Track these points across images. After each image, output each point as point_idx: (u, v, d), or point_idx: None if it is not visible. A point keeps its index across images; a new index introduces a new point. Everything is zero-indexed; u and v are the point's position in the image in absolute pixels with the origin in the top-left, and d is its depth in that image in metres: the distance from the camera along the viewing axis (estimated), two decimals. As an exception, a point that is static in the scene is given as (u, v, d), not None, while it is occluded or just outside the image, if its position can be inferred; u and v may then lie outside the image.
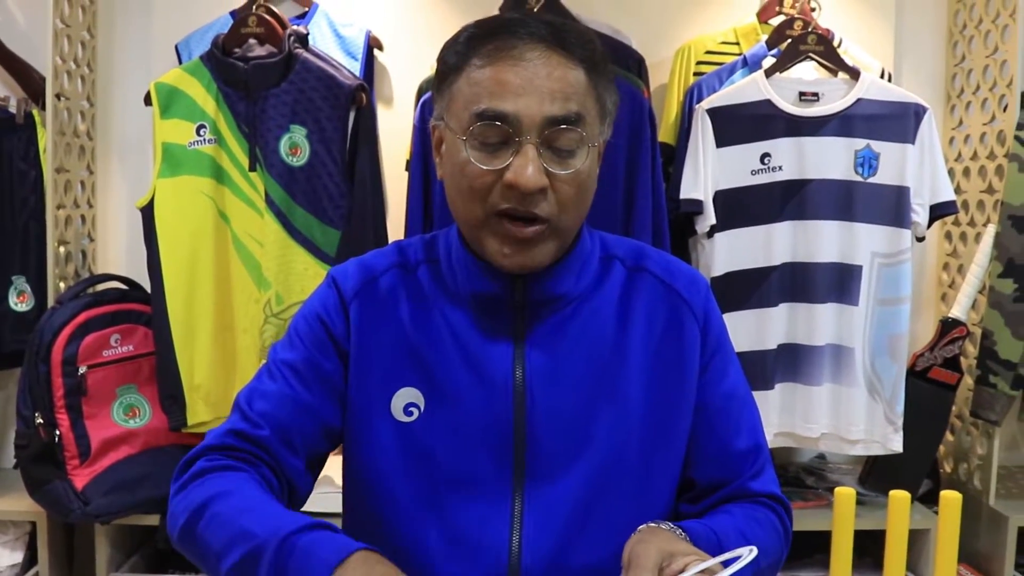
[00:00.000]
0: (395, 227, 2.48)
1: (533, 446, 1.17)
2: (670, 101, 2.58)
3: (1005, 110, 2.49)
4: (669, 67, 2.62)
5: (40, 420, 2.24)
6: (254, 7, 2.40)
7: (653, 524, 1.09)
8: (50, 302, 2.39)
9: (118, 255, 2.72)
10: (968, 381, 2.57)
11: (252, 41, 2.36)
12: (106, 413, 2.34)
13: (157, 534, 2.39)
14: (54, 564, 2.41)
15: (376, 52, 2.62)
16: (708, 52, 2.58)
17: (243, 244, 2.35)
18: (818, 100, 2.38)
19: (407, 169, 2.39)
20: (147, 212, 2.34)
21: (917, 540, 2.45)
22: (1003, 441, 2.69)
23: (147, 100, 2.34)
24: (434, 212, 2.31)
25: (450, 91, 1.16)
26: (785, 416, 2.42)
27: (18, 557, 2.40)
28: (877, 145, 2.35)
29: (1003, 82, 2.50)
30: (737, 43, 2.59)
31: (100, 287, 2.46)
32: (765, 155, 2.36)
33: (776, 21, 2.56)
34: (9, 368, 2.58)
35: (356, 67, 2.51)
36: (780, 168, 2.36)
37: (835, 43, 2.50)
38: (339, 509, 1.31)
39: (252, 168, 2.33)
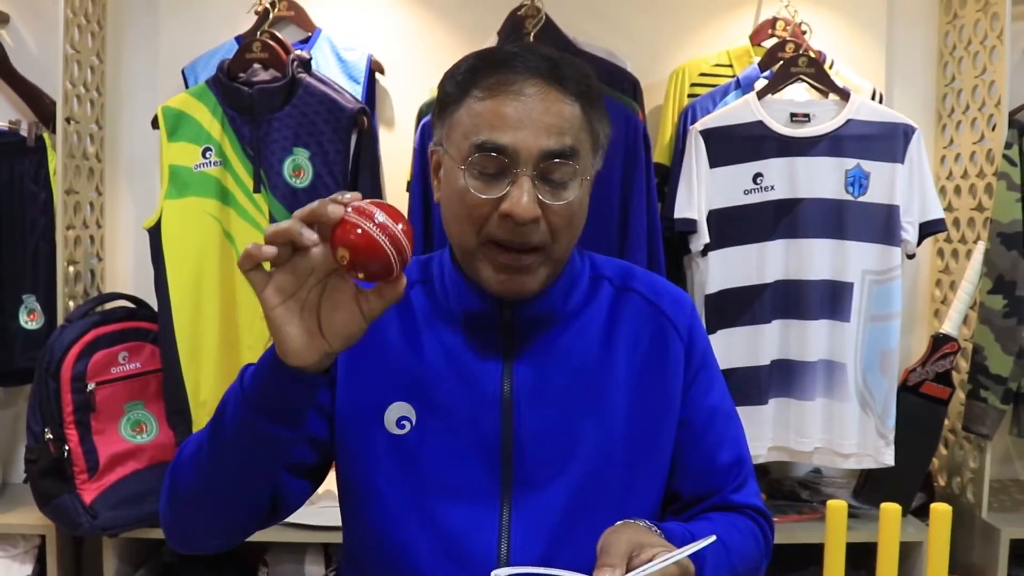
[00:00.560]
0: (396, 246, 2.52)
1: (520, 457, 1.22)
2: (665, 122, 2.63)
3: (994, 129, 2.54)
4: (664, 89, 2.66)
5: (50, 435, 2.28)
6: (259, 33, 2.46)
7: (630, 520, 1.14)
8: (59, 320, 2.44)
9: (126, 274, 2.77)
10: (960, 396, 2.61)
11: (257, 66, 2.41)
12: (114, 429, 2.37)
13: (163, 547, 2.43)
14: (63, 577, 2.45)
15: (378, 76, 2.68)
16: (702, 74, 2.63)
17: (248, 264, 2.39)
18: (809, 121, 2.43)
19: (407, 190, 2.44)
20: (154, 232, 2.39)
21: (910, 552, 2.47)
22: (995, 455, 2.73)
23: (154, 123, 2.40)
24: (433, 231, 2.36)
25: (450, 120, 1.21)
26: (779, 431, 2.46)
27: (28, 570, 2.43)
28: (867, 165, 2.40)
29: (991, 102, 2.55)
30: (730, 65, 2.64)
31: (108, 306, 2.50)
32: (757, 175, 2.41)
33: (768, 44, 2.62)
34: (19, 384, 2.63)
35: (358, 90, 2.56)
36: (772, 188, 2.41)
37: (827, 65, 2.55)
38: (340, 523, 1.35)
39: (256, 190, 2.38)
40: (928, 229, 2.44)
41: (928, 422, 2.56)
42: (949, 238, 2.75)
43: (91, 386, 2.32)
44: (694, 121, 2.48)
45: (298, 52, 2.45)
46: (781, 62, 2.49)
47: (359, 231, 0.98)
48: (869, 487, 2.55)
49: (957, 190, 2.72)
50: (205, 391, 2.40)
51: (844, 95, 2.43)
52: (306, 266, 1.02)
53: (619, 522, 1.13)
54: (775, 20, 2.65)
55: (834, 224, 2.41)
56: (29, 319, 2.56)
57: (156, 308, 2.44)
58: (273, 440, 1.09)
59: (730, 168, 2.41)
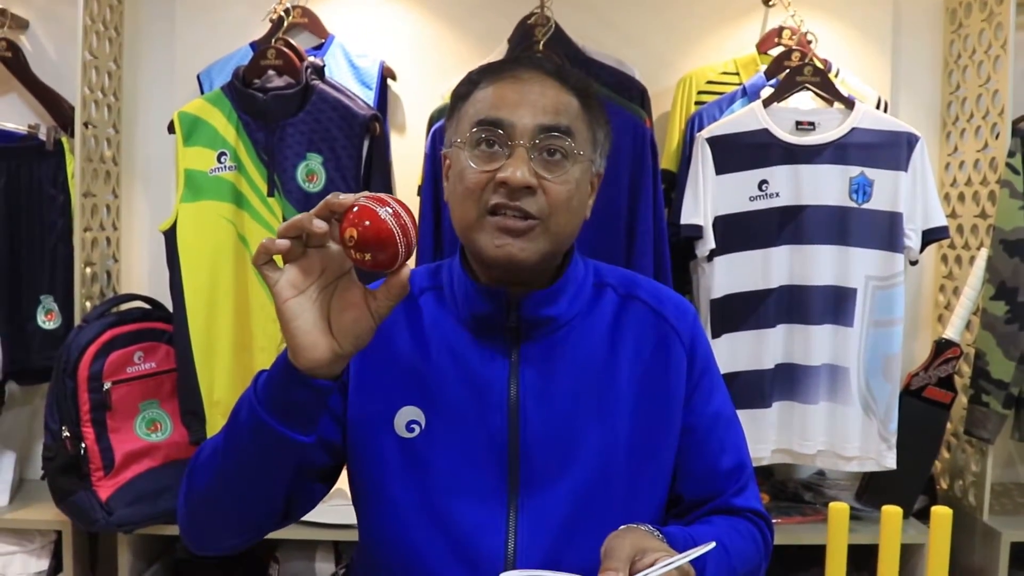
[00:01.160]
0: (407, 249, 2.55)
1: (526, 459, 1.25)
2: (672, 129, 2.67)
3: (997, 138, 2.57)
4: (671, 96, 2.70)
5: (67, 433, 2.32)
6: (273, 40, 2.50)
7: (633, 525, 1.17)
8: (77, 320, 2.48)
9: (141, 276, 2.81)
10: (962, 400, 2.64)
11: (271, 72, 2.45)
12: (129, 427, 2.41)
13: (177, 543, 2.46)
14: (78, 572, 2.48)
15: (390, 82, 2.71)
16: (709, 82, 2.67)
17: (261, 266, 2.43)
18: (814, 129, 2.46)
19: (418, 194, 2.48)
20: (170, 235, 2.43)
21: (912, 555, 2.50)
22: (997, 459, 2.76)
23: (171, 128, 2.44)
24: (444, 235, 2.40)
25: (458, 115, 1.28)
26: (783, 433, 2.49)
27: (44, 565, 2.48)
28: (871, 172, 2.43)
29: (995, 111, 2.58)
30: (737, 73, 2.67)
31: (124, 306, 2.54)
32: (763, 182, 2.44)
33: (775, 52, 2.65)
34: (37, 383, 2.68)
35: (370, 96, 2.60)
36: (777, 195, 2.44)
37: (833, 73, 2.58)
38: (350, 520, 1.38)
39: (270, 194, 2.42)
40: (931, 236, 2.46)
41: (930, 426, 2.58)
42: (953, 244, 2.78)
43: (107, 385, 2.36)
44: (701, 128, 2.51)
45: (312, 59, 2.49)
46: (787, 71, 2.52)
47: (367, 213, 1.03)
48: (871, 490, 2.58)
49: (961, 197, 2.75)
50: (218, 391, 2.44)
51: (849, 104, 2.46)
52: (317, 262, 1.07)
53: (622, 527, 1.16)
54: (781, 29, 2.68)
55: (838, 231, 2.44)
56: (47, 319, 2.60)
57: (171, 309, 2.48)
58: (286, 444, 1.11)
59: (736, 175, 2.45)
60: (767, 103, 2.47)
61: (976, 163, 2.68)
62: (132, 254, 2.82)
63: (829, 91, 2.49)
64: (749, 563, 1.30)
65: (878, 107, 2.59)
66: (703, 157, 2.44)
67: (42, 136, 2.60)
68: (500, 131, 1.21)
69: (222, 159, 2.42)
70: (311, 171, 2.41)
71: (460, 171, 1.24)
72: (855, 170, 2.43)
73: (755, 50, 2.71)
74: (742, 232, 2.45)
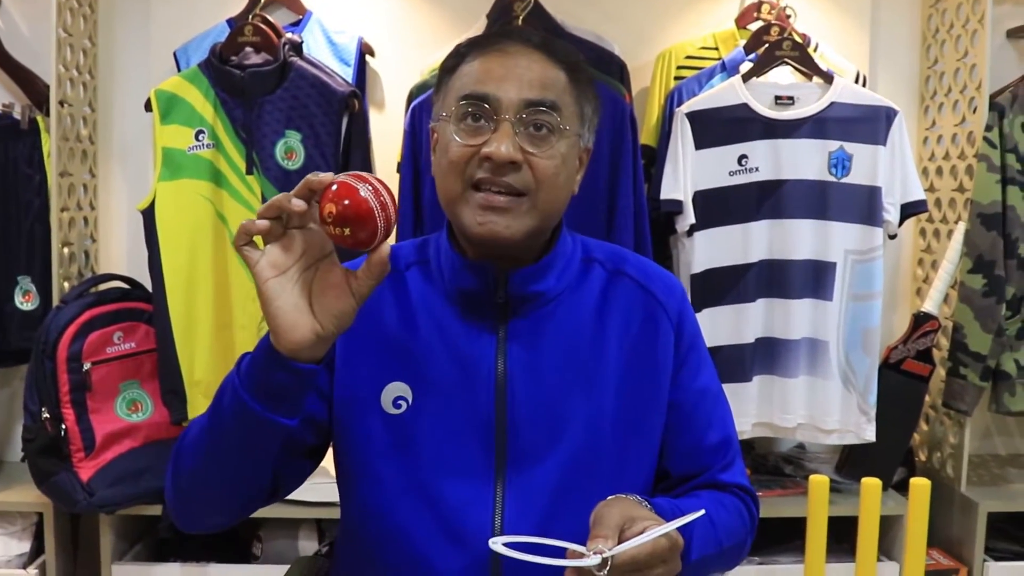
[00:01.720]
0: (387, 226, 2.55)
1: (513, 434, 1.25)
2: (651, 105, 2.67)
3: (975, 112, 2.58)
4: (651, 72, 2.70)
5: (46, 415, 2.31)
6: (250, 16, 2.47)
7: (621, 495, 1.17)
8: (55, 301, 2.47)
9: (120, 255, 2.79)
10: (940, 373, 2.66)
11: (248, 49, 2.43)
12: (110, 408, 2.40)
13: (159, 523, 2.45)
14: (60, 553, 2.47)
15: (368, 58, 2.70)
16: (688, 57, 2.67)
17: (241, 245, 2.42)
18: (793, 104, 2.46)
19: (398, 171, 2.47)
20: (148, 214, 2.42)
21: (891, 526, 2.53)
22: (975, 431, 2.79)
23: (147, 106, 2.42)
24: (423, 211, 2.39)
25: (445, 88, 1.27)
26: (763, 407, 2.51)
27: (25, 547, 2.46)
28: (850, 147, 2.44)
29: (972, 85, 2.59)
30: (716, 48, 2.67)
31: (103, 286, 2.52)
32: (742, 157, 2.45)
33: (754, 27, 2.64)
34: (16, 365, 2.66)
35: (349, 73, 2.59)
36: (757, 169, 2.45)
37: (812, 47, 2.59)
38: (333, 499, 1.38)
39: (249, 172, 2.41)
40: (909, 210, 2.48)
41: (909, 399, 2.61)
42: (931, 218, 2.79)
43: (87, 366, 2.35)
44: (680, 103, 2.51)
45: (289, 35, 2.47)
46: (766, 45, 2.52)
47: (346, 189, 1.03)
48: (851, 462, 2.61)
49: (939, 171, 2.77)
50: (199, 370, 2.44)
51: (828, 78, 2.47)
52: (298, 243, 1.07)
53: (611, 496, 1.16)
54: (760, 3, 2.68)
55: (817, 205, 2.45)
56: (24, 300, 2.58)
57: (150, 289, 2.47)
58: (270, 427, 1.11)
59: (715, 150, 2.45)
60: (746, 78, 2.47)
61: (954, 137, 2.69)
62: (110, 234, 2.80)
63: (808, 65, 2.49)
64: (735, 537, 1.31)
65: (856, 81, 2.60)
66: (683, 132, 2.44)
67: (17, 115, 2.57)
68: (486, 105, 1.20)
69: (200, 137, 2.41)
70: (290, 148, 2.40)
71: (445, 145, 1.23)
72: (834, 144, 2.44)
73: (734, 25, 2.71)
74: (722, 207, 2.45)
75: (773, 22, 2.59)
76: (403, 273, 1.34)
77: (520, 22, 2.44)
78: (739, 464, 1.38)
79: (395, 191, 2.41)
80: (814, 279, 2.47)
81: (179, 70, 2.58)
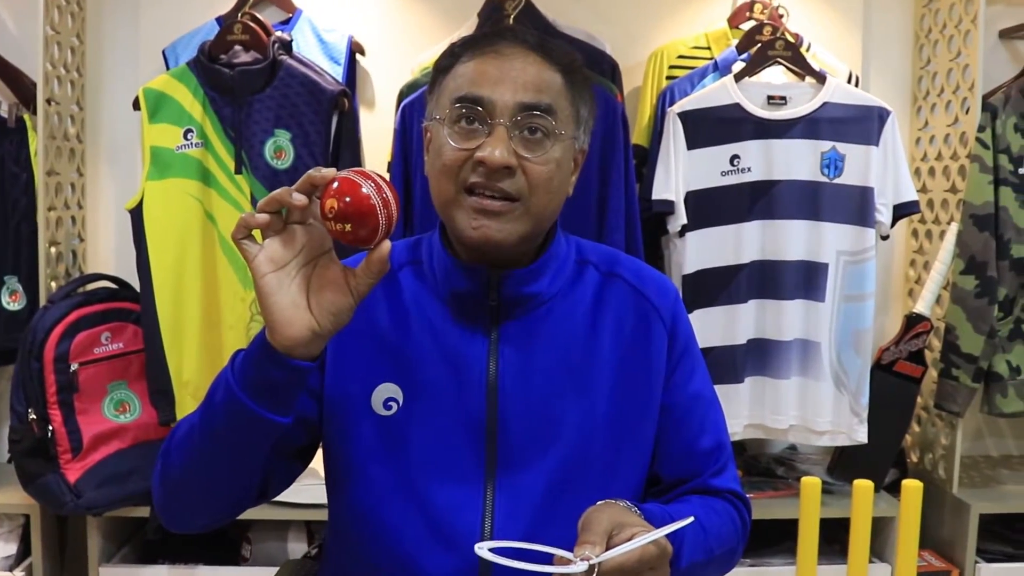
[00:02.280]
0: (377, 226, 2.53)
1: (504, 437, 1.24)
2: (643, 104, 2.66)
3: (967, 112, 2.57)
4: (643, 71, 2.69)
5: (33, 416, 2.29)
6: (240, 14, 2.46)
7: (611, 500, 1.16)
8: (42, 301, 2.45)
9: (107, 255, 2.77)
10: (932, 374, 2.66)
11: (238, 48, 2.41)
12: (97, 408, 2.39)
13: (147, 525, 2.44)
14: (47, 555, 2.45)
15: (358, 57, 2.68)
16: (680, 56, 2.66)
17: (229, 245, 2.41)
18: (786, 104, 2.45)
19: (388, 171, 2.46)
20: (136, 213, 2.40)
21: (883, 528, 2.52)
22: (966, 432, 2.78)
23: (136, 105, 2.40)
24: (414, 212, 2.38)
25: (439, 89, 1.25)
26: (755, 408, 2.50)
27: (12, 549, 2.44)
28: (842, 147, 2.43)
29: (965, 85, 2.58)
30: (708, 48, 2.66)
31: (90, 286, 2.50)
32: (734, 157, 2.44)
33: (746, 26, 2.64)
34: (2, 365, 2.64)
35: (339, 72, 2.57)
36: (749, 169, 2.44)
37: (804, 47, 2.58)
38: (323, 500, 1.37)
39: (238, 171, 2.39)
40: (902, 211, 2.47)
41: (901, 400, 2.60)
42: (923, 219, 2.79)
43: (74, 366, 2.33)
44: (672, 103, 2.50)
45: (279, 34, 2.45)
46: (758, 45, 2.51)
47: (348, 185, 1.03)
48: (843, 464, 2.60)
49: (931, 172, 2.76)
50: (188, 371, 2.42)
51: (820, 78, 2.46)
52: (297, 239, 1.07)
53: (600, 502, 1.15)
54: (753, 3, 2.67)
55: (809, 206, 2.44)
56: (11, 300, 2.56)
57: (138, 289, 2.45)
58: (262, 425, 1.10)
59: (707, 150, 2.44)
60: (738, 78, 2.46)
61: (946, 138, 2.69)
62: (98, 233, 2.78)
63: (801, 65, 2.48)
64: (726, 543, 1.30)
65: (849, 81, 2.60)
66: (674, 132, 2.43)
67: (3, 113, 2.56)
68: (479, 108, 1.19)
69: (188, 136, 2.39)
70: (279, 148, 2.38)
71: (439, 147, 1.22)
72: (826, 145, 2.43)
73: (726, 24, 2.70)
74: (714, 207, 2.45)
75: (766, 22, 2.58)
76: (396, 273, 1.32)
77: (511, 21, 2.43)
78: (731, 469, 1.37)
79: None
80: (806, 280, 2.46)
81: (168, 68, 2.56)
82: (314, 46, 2.60)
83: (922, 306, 2.60)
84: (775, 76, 2.53)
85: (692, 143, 2.43)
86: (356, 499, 1.27)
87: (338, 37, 2.62)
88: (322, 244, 1.08)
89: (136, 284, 2.46)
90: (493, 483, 1.24)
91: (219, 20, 2.56)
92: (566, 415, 1.26)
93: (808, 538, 1.31)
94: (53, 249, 2.54)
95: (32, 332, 2.31)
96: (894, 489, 2.62)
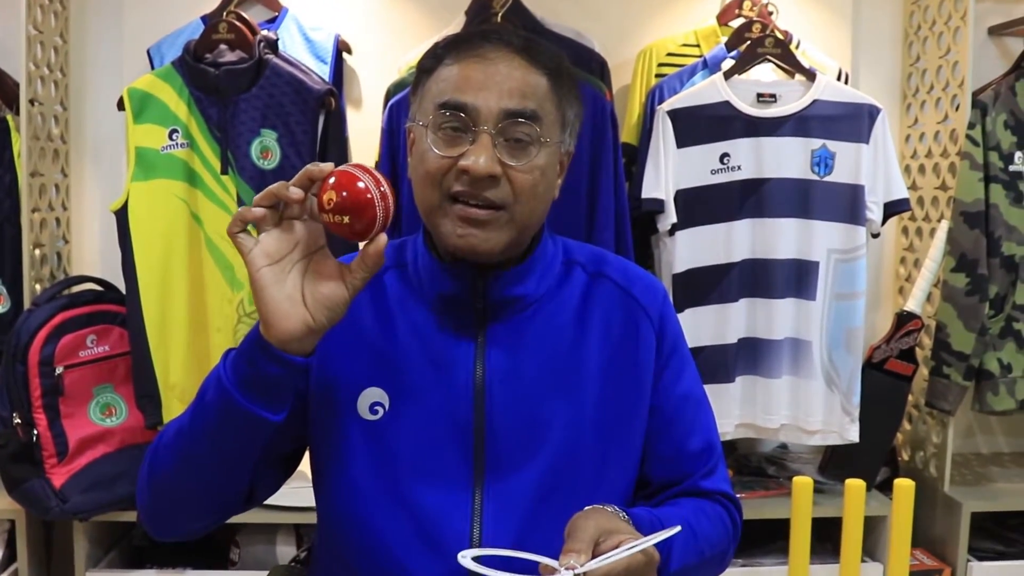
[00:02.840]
0: (364, 226, 2.52)
1: (492, 441, 1.23)
2: (632, 102, 2.64)
3: (957, 109, 2.57)
4: (631, 69, 2.67)
5: (18, 420, 2.27)
6: (225, 13, 2.44)
7: (599, 506, 1.15)
8: (26, 304, 2.42)
9: (93, 257, 2.75)
10: (923, 372, 2.65)
11: (223, 47, 2.39)
12: (83, 412, 2.36)
13: (134, 530, 2.43)
14: (33, 561, 2.43)
15: (345, 56, 2.67)
16: (669, 54, 2.64)
17: (216, 246, 2.39)
18: (775, 101, 2.44)
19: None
20: (121, 215, 2.38)
21: (874, 526, 2.52)
22: (957, 430, 2.78)
23: (120, 105, 2.37)
24: (401, 212, 2.36)
25: (422, 90, 1.23)
26: (746, 408, 2.49)
27: (-2, 554, 2.44)
28: (833, 145, 2.42)
29: (955, 82, 2.58)
30: (697, 45, 2.65)
31: (75, 289, 2.48)
32: (724, 155, 2.43)
33: (735, 24, 2.62)
34: (-15, 369, 2.61)
35: (325, 71, 2.55)
36: (739, 167, 2.43)
37: (794, 44, 2.57)
38: (311, 503, 1.36)
39: (224, 171, 2.37)
40: (892, 209, 2.46)
41: (892, 398, 2.59)
42: (913, 216, 2.78)
43: (59, 370, 2.31)
44: (661, 101, 2.48)
45: (265, 32, 2.43)
46: (748, 42, 2.50)
47: (346, 178, 1.04)
48: (834, 462, 2.59)
49: (921, 169, 2.76)
50: (174, 374, 2.40)
51: (810, 75, 2.45)
52: (292, 233, 1.08)
53: (587, 507, 1.14)
54: (742, 0, 2.66)
55: (800, 204, 2.43)
56: (-6, 303, 2.54)
57: (124, 291, 2.43)
58: (255, 423, 1.10)
59: (697, 148, 2.43)
60: (728, 75, 2.45)
61: (936, 135, 2.68)
62: (83, 235, 2.76)
63: (790, 63, 2.47)
64: (717, 546, 1.29)
65: (838, 79, 2.59)
66: (664, 130, 2.42)
67: (-14, 114, 2.53)
68: (463, 115, 1.17)
69: (174, 136, 2.37)
70: (265, 147, 2.36)
71: (422, 152, 1.20)
72: (817, 142, 2.42)
73: (715, 22, 2.68)
74: (704, 206, 2.43)
75: (755, 19, 2.57)
76: (380, 276, 1.31)
77: (499, 19, 2.41)
78: (722, 470, 1.36)
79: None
80: (797, 278, 2.45)
81: (152, 68, 2.54)
82: (300, 45, 2.58)
83: (913, 304, 2.59)
84: (765, 74, 2.52)
85: (682, 141, 2.42)
86: (343, 505, 1.26)
87: (324, 36, 2.60)
88: (317, 239, 1.09)
89: (122, 286, 2.44)
90: (481, 487, 1.23)
91: (204, 19, 2.54)
92: (554, 418, 1.24)
93: (800, 538, 1.31)
94: (37, 251, 2.51)
95: (16, 335, 2.29)
96: (886, 488, 2.62)
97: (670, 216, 2.42)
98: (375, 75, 2.69)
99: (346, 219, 1.03)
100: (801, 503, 1.32)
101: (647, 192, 2.41)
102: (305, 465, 1.34)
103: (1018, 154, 2.52)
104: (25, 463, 2.28)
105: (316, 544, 1.39)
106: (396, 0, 2.73)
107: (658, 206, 2.41)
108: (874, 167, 2.43)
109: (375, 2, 2.73)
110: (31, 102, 2.45)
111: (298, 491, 2.19)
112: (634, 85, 2.66)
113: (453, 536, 1.21)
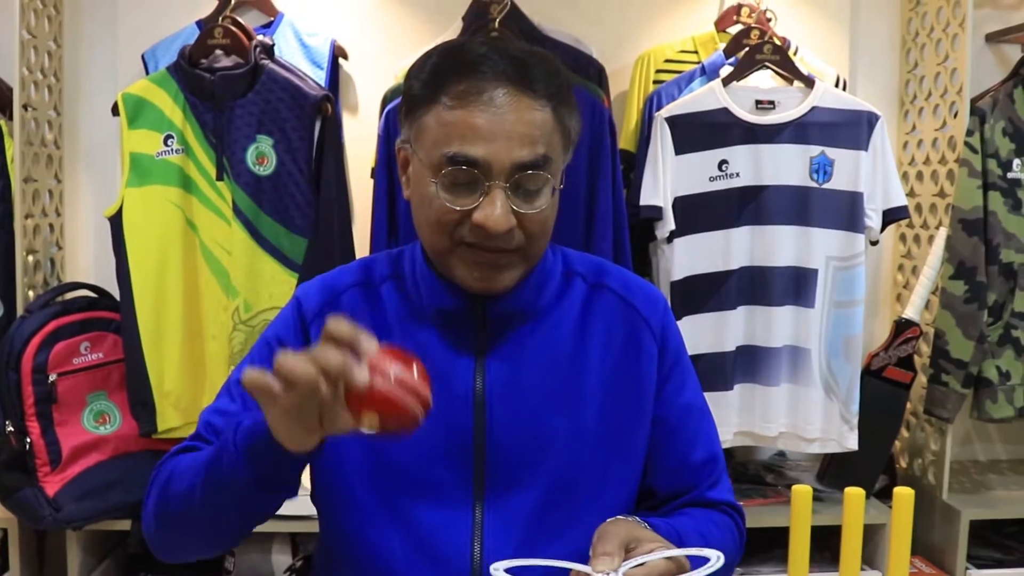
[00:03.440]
0: (361, 233, 2.51)
1: (493, 455, 1.21)
2: (630, 109, 2.63)
3: (955, 116, 2.56)
4: (629, 75, 2.66)
5: (10, 428, 2.25)
6: (220, 18, 2.42)
7: (621, 517, 1.14)
8: (19, 311, 2.40)
9: (87, 263, 2.73)
10: (922, 380, 2.64)
11: (219, 52, 2.37)
12: (76, 420, 2.34)
13: (129, 539, 2.41)
14: (25, 571, 2.41)
15: (341, 61, 2.65)
16: (667, 60, 2.63)
17: (211, 252, 2.38)
18: (774, 108, 2.43)
19: (372, 177, 2.43)
20: (115, 221, 2.36)
21: (873, 535, 2.51)
22: (956, 437, 2.77)
23: (114, 111, 2.35)
24: (399, 220, 2.35)
25: (419, 123, 1.18)
26: (744, 416, 2.48)
27: (-10, 564, 2.42)
28: (831, 152, 2.41)
29: (953, 89, 2.57)
30: (695, 52, 2.64)
31: (69, 295, 2.46)
32: (723, 162, 2.42)
33: (734, 30, 2.61)
34: (-22, 377, 2.59)
35: (321, 76, 2.54)
36: (737, 175, 2.42)
37: (792, 51, 2.56)
38: (307, 512, 1.34)
39: (219, 177, 2.36)
40: (891, 216, 2.46)
41: (891, 406, 2.59)
42: (911, 223, 2.77)
43: (52, 377, 2.29)
44: (659, 107, 2.47)
45: (260, 38, 2.42)
46: (746, 49, 2.49)
47: (384, 399, 0.95)
48: (833, 470, 2.58)
49: (919, 176, 2.75)
50: (168, 381, 2.38)
51: (809, 82, 2.44)
52: (314, 400, 0.97)
53: (611, 518, 1.14)
54: (740, 6, 2.65)
55: (799, 211, 2.42)
56: (-12, 310, 2.52)
57: (118, 297, 2.41)
58: (270, 498, 1.10)
59: (695, 155, 2.41)
60: (726, 82, 2.44)
61: (934, 142, 2.67)
62: (76, 241, 2.74)
63: (789, 69, 2.46)
64: (727, 556, 1.28)
65: (836, 85, 2.58)
66: (662, 137, 2.40)
67: (-21, 119, 2.50)
68: (474, 170, 1.13)
69: (169, 142, 2.35)
70: (261, 154, 2.35)
71: (428, 197, 1.16)
72: (815, 149, 2.41)
73: (713, 28, 2.68)
74: (702, 213, 2.42)
75: (753, 25, 2.56)
76: (378, 287, 1.29)
77: (496, 24, 2.40)
78: (726, 480, 1.35)
79: (368, 198, 2.41)
80: (795, 286, 2.44)
81: (147, 73, 2.52)
82: (296, 50, 2.57)
83: (911, 311, 2.58)
84: (763, 80, 2.51)
85: (680, 148, 2.41)
86: (342, 520, 1.25)
87: (321, 41, 2.59)
88: (338, 401, 1.02)
89: (116, 293, 2.42)
90: (482, 502, 1.22)
91: (199, 24, 2.52)
92: (556, 431, 1.23)
93: (799, 547, 1.29)
94: (31, 257, 2.49)
95: (9, 342, 2.27)
96: (883, 495, 2.62)
97: (668, 223, 2.41)
98: (371, 81, 2.68)
99: (384, 431, 0.97)
100: (801, 513, 1.31)
101: (645, 199, 2.40)
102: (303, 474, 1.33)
103: (1016, 161, 2.51)
104: (17, 471, 2.26)
105: (316, 556, 1.38)
106: (392, 5, 2.72)
107: (656, 213, 2.40)
108: (873, 174, 2.42)
109: (371, 7, 2.72)
110: (24, 107, 2.43)
111: (294, 500, 2.20)
112: (632, 91, 2.65)
113: (454, 551, 1.20)
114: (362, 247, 2.49)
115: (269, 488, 1.07)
